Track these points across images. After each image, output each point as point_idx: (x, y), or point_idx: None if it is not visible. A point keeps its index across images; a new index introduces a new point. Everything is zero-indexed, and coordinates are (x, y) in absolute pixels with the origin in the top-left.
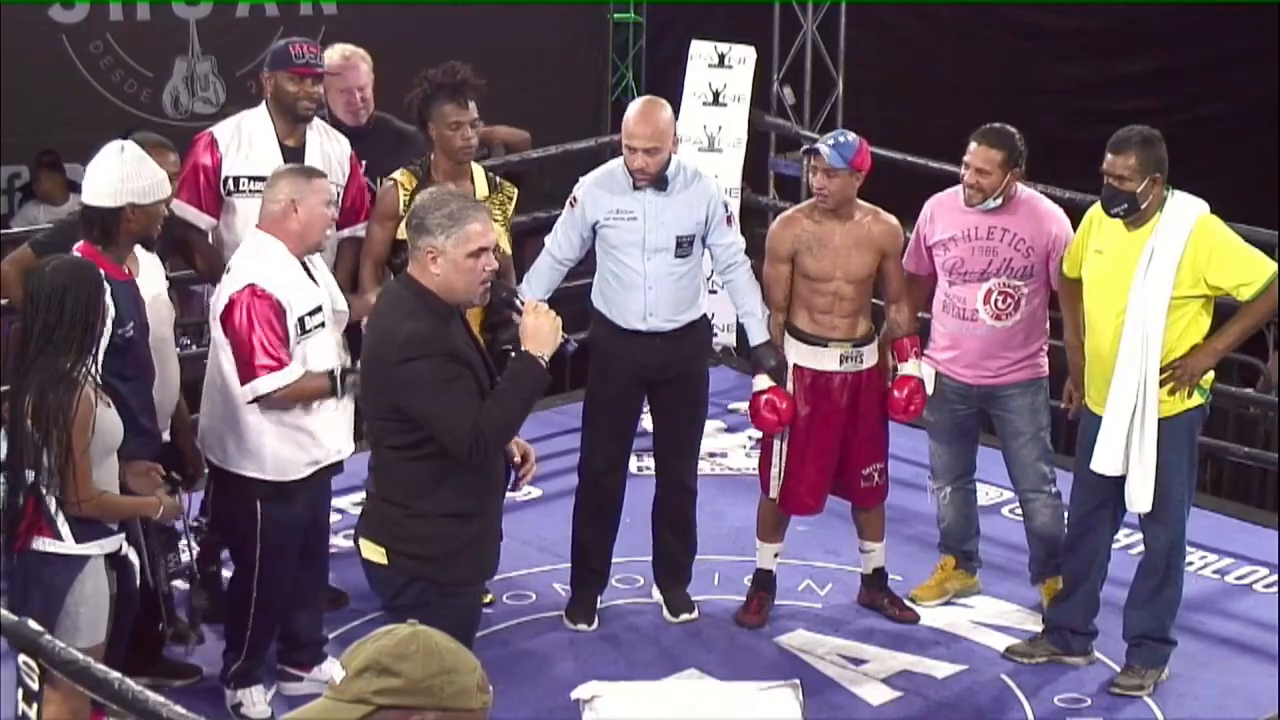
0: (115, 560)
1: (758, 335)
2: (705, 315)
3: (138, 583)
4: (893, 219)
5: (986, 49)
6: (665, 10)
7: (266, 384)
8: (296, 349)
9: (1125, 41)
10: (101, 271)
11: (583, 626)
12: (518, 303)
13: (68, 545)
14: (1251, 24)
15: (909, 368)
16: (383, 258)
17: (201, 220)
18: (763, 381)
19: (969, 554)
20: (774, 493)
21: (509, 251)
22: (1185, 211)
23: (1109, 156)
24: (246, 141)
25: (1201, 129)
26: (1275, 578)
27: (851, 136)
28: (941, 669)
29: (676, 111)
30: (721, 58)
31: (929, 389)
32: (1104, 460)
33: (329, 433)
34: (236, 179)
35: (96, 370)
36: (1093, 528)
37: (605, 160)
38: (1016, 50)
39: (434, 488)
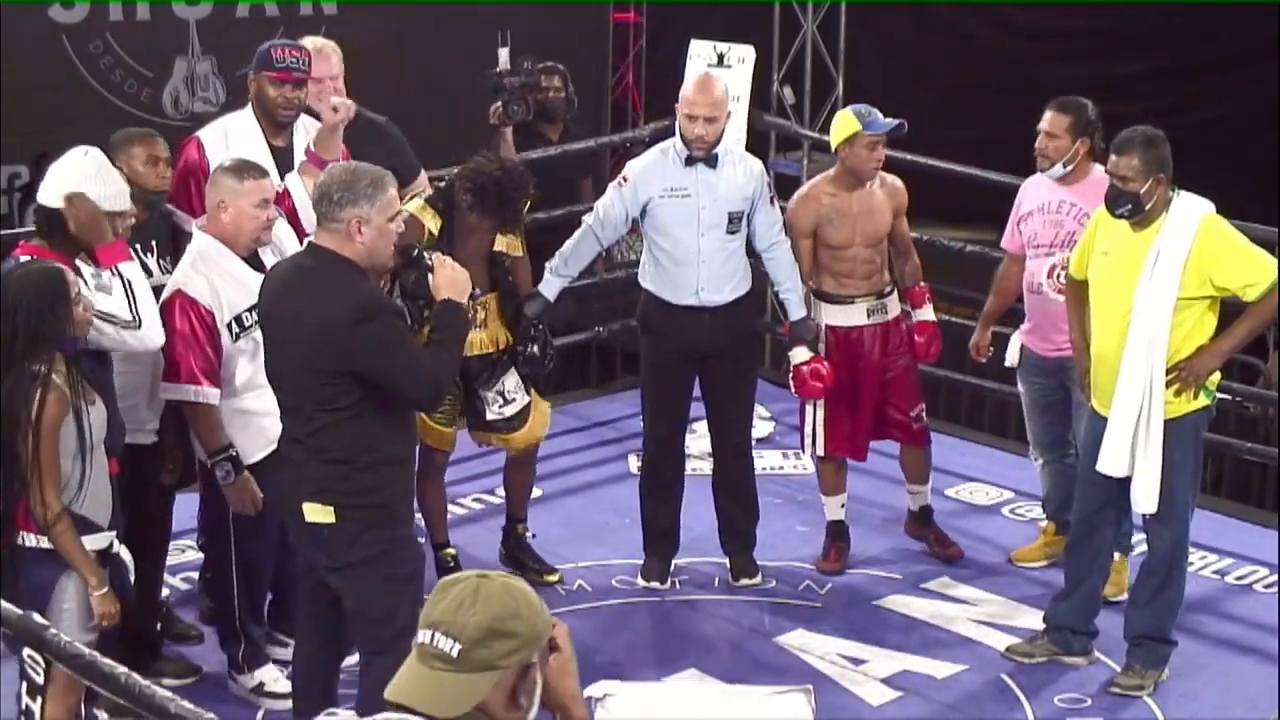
0: (106, 557)
1: (797, 311)
2: (752, 290)
3: (131, 579)
4: (895, 178)
5: (986, 49)
6: (665, 10)
7: (182, 393)
8: (234, 346)
9: (1125, 41)
10: (68, 274)
11: (655, 584)
12: (426, 259)
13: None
14: (1251, 24)
15: (924, 313)
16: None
17: (192, 225)
18: (802, 353)
19: (1069, 522)
20: (809, 450)
21: (520, 253)
22: (1191, 212)
23: (1113, 157)
24: (235, 146)
25: (1201, 129)
26: (1275, 578)
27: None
28: (941, 669)
29: (675, 111)
30: (721, 57)
31: (1014, 360)
32: (1110, 462)
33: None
34: None
35: (75, 369)
36: (1096, 529)
37: (606, 160)
38: (1016, 50)
39: (376, 439)
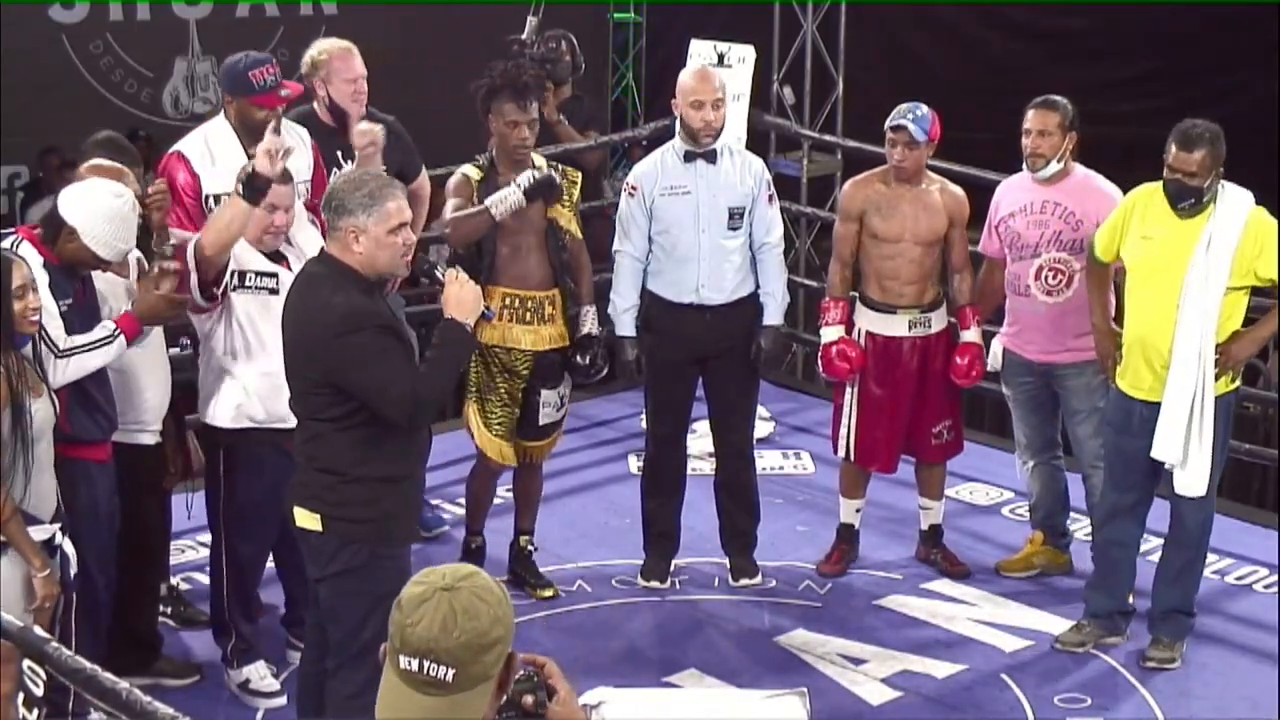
0: (50, 550)
1: (773, 316)
2: (756, 291)
3: (73, 572)
4: (960, 190)
5: (987, 49)
6: (665, 10)
7: (192, 242)
8: (233, 296)
9: (1125, 41)
10: (22, 268)
11: (655, 584)
12: (438, 274)
13: None
14: (1251, 24)
15: (970, 335)
16: None
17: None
18: (832, 332)
19: (1058, 530)
20: (842, 452)
21: (579, 235)
22: (1239, 202)
23: (1177, 152)
24: (218, 156)
25: None
26: (1275, 578)
27: (925, 109)
28: (941, 669)
29: (674, 111)
30: (721, 57)
31: (997, 364)
32: (1165, 448)
33: (273, 398)
34: (217, 197)
35: (21, 361)
36: (1130, 518)
37: (604, 160)
38: (1016, 50)
39: (366, 454)
